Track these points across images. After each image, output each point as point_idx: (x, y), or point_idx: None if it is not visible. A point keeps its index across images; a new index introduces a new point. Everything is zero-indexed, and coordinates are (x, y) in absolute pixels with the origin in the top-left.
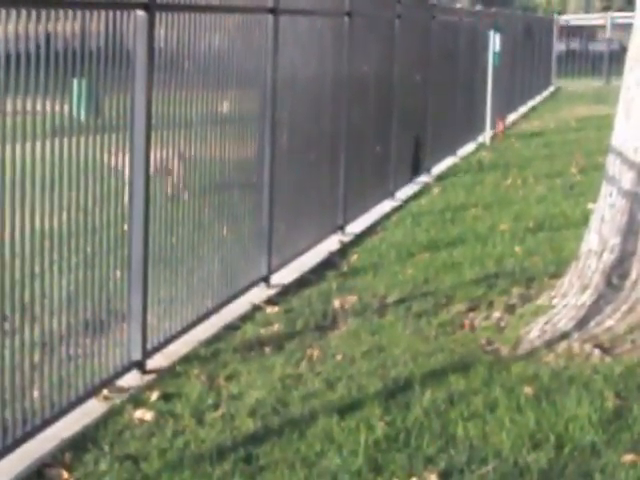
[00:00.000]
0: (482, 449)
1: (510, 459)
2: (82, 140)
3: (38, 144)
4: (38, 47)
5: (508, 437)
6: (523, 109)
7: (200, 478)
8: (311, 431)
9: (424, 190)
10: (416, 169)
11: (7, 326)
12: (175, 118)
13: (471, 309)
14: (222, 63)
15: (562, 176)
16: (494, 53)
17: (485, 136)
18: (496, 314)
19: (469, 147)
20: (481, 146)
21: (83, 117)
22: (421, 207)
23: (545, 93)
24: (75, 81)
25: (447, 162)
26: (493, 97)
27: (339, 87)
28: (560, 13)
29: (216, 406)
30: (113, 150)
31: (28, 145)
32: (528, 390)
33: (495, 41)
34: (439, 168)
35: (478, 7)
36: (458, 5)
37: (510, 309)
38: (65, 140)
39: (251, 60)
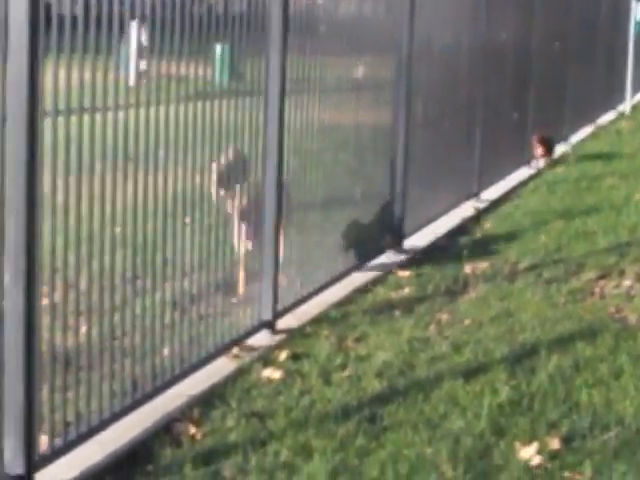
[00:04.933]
0: (605, 416)
1: (633, 426)
2: (224, 104)
3: (181, 107)
4: (183, 12)
5: (631, 404)
6: None
7: (324, 436)
8: (436, 393)
9: (561, 158)
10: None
11: (140, 285)
12: (310, 83)
13: (602, 277)
14: (358, 28)
15: None
16: (636, 22)
17: (626, 105)
18: (627, 282)
19: (609, 116)
20: (621, 115)
21: (225, 82)
22: (557, 175)
23: None
24: (218, 46)
25: (586, 131)
26: (634, 66)
27: (476, 54)
28: None
29: (343, 367)
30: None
31: (172, 108)
32: None
33: (637, 9)
34: (578, 137)
35: None
36: None
37: None
38: (207, 104)
39: (387, 25)
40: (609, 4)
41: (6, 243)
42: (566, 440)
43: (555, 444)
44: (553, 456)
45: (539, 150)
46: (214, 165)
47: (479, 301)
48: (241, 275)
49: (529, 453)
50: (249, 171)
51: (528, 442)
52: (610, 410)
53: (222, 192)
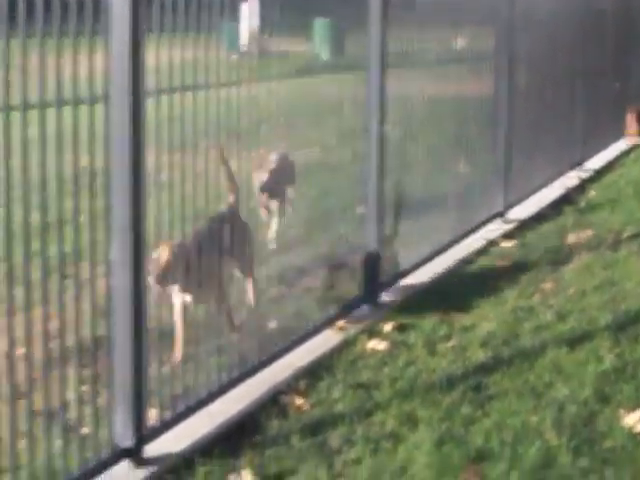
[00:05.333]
0: None
1: None
2: (325, 79)
3: (282, 83)
4: None
5: None
6: None
7: (430, 406)
8: (540, 362)
9: None
10: None
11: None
12: (410, 56)
13: None
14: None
15: None
16: None
17: None
18: None
19: None
20: None
21: (326, 57)
22: None
23: None
24: (318, 22)
25: None
26: None
27: (578, 24)
28: None
29: (448, 337)
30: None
31: (274, 84)
32: None
33: None
34: None
35: None
36: None
37: None
38: (308, 79)
39: None
40: None
41: (113, 222)
42: None
43: None
44: None
45: (634, 127)
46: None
47: (583, 270)
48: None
49: (633, 420)
50: (294, 175)
51: (632, 409)
52: None
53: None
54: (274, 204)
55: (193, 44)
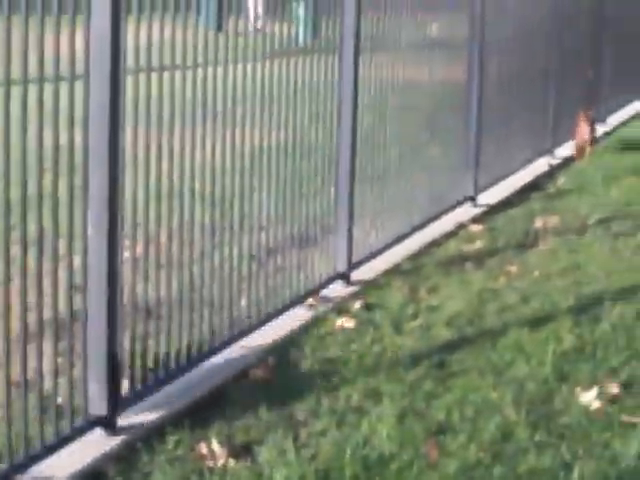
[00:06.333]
0: None
1: None
2: (302, 61)
3: (259, 65)
4: None
5: None
6: None
7: (394, 381)
8: (502, 341)
9: (636, 116)
10: None
11: (218, 239)
12: (384, 41)
13: None
14: None
15: None
16: None
17: None
18: None
19: None
20: None
21: (303, 39)
22: (631, 133)
23: None
24: (297, 4)
25: None
26: None
27: (551, 10)
28: None
29: (415, 316)
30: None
31: (248, 66)
32: None
33: None
34: None
35: None
36: None
37: None
38: (285, 61)
39: None
40: None
41: (90, 197)
42: (625, 385)
43: (614, 389)
44: (612, 400)
45: (584, 131)
46: None
47: (548, 254)
48: None
49: (589, 398)
50: None
51: (589, 387)
52: None
53: None
54: None
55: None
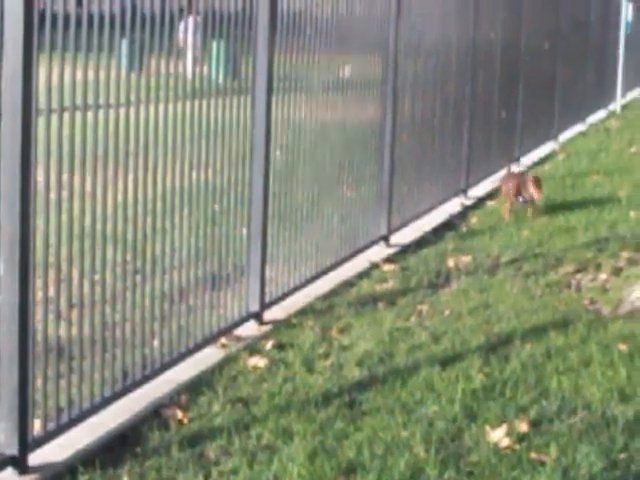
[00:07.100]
0: (573, 401)
1: (599, 411)
2: (215, 102)
3: (172, 106)
4: (181, 10)
5: (599, 390)
6: None
7: (305, 420)
8: (413, 380)
9: (549, 156)
10: None
11: (131, 279)
12: (297, 81)
13: (579, 271)
14: (345, 27)
15: None
16: (626, 22)
17: (616, 104)
18: (602, 276)
19: (599, 115)
20: (611, 114)
21: (220, 79)
22: (544, 173)
23: None
24: (214, 44)
25: (576, 129)
26: (625, 66)
27: (464, 53)
28: None
29: (326, 356)
30: (242, 112)
31: (161, 107)
32: (623, 347)
33: (628, 9)
34: (566, 135)
35: None
36: None
37: (617, 272)
38: (199, 102)
39: (374, 24)
40: (600, 3)
41: (1, 237)
42: (534, 424)
43: (524, 427)
44: (521, 438)
45: (532, 189)
46: None
47: (459, 293)
48: None
49: (498, 436)
50: None
51: (498, 425)
52: (578, 396)
53: None
54: None
55: (86, 64)
